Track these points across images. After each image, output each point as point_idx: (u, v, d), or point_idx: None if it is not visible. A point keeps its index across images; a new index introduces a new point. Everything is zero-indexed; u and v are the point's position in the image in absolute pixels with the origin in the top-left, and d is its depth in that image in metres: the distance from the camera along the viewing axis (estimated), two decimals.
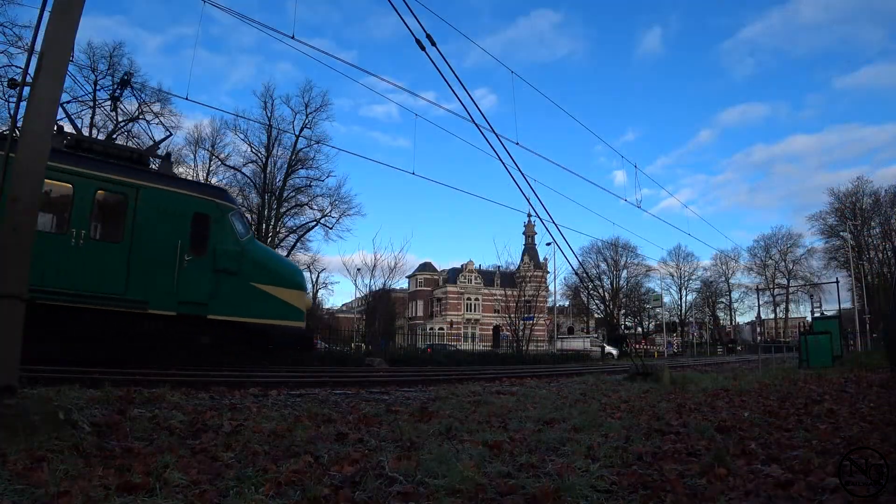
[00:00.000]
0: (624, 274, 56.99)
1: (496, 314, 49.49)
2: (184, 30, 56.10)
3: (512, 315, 30.52)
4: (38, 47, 3.57)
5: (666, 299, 56.10)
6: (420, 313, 63.80)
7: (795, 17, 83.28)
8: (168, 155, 12.31)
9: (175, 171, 15.31)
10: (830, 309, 39.71)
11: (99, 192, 9.65)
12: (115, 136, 28.90)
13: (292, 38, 9.34)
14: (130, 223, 9.69)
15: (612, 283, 57.85)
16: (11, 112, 6.99)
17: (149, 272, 9.64)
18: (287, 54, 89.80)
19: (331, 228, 34.75)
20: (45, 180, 3.75)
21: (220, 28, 56.55)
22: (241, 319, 10.64)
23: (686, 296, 59.85)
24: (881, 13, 72.62)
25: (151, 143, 15.07)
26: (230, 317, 10.48)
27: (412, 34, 5.71)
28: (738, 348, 55.33)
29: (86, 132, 27.53)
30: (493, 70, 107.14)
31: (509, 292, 34.38)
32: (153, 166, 11.56)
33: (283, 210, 34.41)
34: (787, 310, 56.09)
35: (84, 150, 10.02)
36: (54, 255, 8.82)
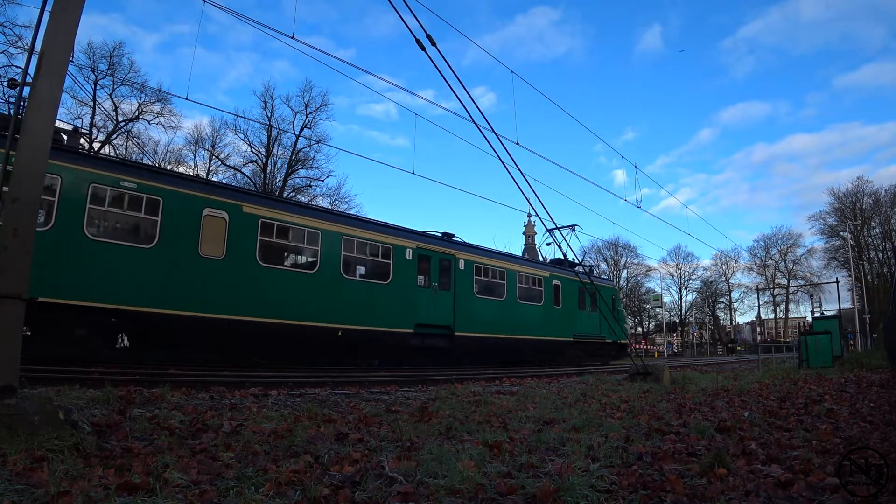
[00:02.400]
0: (624, 274, 56.87)
1: None
2: (180, 28, 55.95)
3: None
4: (38, 47, 3.57)
5: (666, 299, 56.05)
6: None
7: (796, 15, 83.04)
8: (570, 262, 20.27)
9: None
10: (830, 309, 39.86)
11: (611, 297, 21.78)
12: (114, 136, 28.95)
13: (292, 37, 9.37)
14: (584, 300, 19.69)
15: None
16: (11, 112, 7.01)
17: (572, 321, 18.69)
18: (285, 53, 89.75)
19: None
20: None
21: (217, 26, 56.45)
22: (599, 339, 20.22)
23: (686, 296, 59.80)
24: (882, 11, 72.48)
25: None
26: (588, 338, 19.41)
27: (412, 34, 5.71)
28: (739, 348, 55.33)
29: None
30: (492, 68, 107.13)
31: None
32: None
33: None
34: (787, 310, 56.06)
35: None
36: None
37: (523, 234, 40.37)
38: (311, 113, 33.78)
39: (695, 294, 60.05)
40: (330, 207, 12.80)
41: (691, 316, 59.79)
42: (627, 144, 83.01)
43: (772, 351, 19.99)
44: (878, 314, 34.32)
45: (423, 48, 5.81)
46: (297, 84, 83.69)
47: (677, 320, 58.53)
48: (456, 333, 14.15)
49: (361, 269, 12.77)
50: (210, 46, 61.52)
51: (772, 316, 56.88)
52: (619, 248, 54.96)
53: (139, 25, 56.69)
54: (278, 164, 34.36)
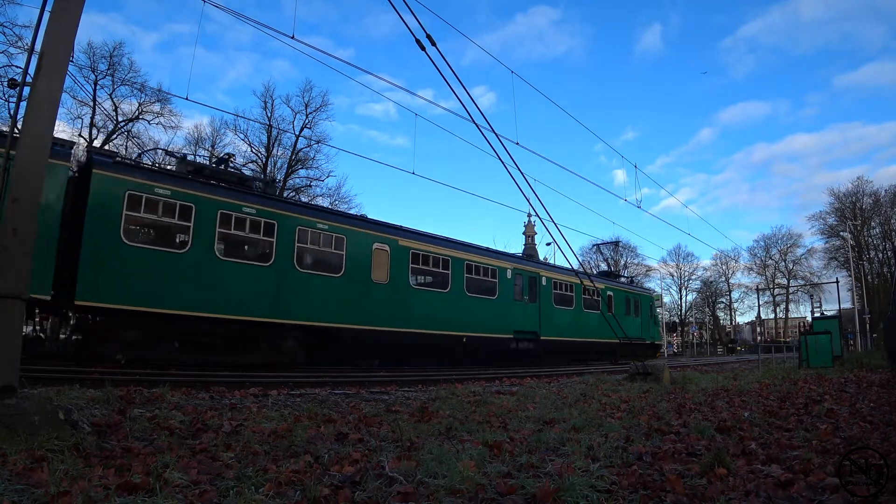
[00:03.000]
0: (624, 274, 56.96)
1: None
2: (179, 27, 55.89)
3: None
4: (38, 47, 3.57)
5: (666, 299, 56.04)
6: None
7: (796, 15, 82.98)
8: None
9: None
10: (830, 309, 39.83)
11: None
12: (114, 136, 28.95)
13: (292, 38, 9.37)
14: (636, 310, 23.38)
15: None
16: (11, 112, 7.02)
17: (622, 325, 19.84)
18: (284, 52, 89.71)
19: None
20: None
21: (216, 26, 56.34)
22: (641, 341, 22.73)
23: (686, 296, 59.75)
24: (882, 10, 72.39)
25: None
26: (633, 340, 21.27)
27: (412, 34, 5.71)
28: (739, 348, 55.31)
29: (85, 132, 27.61)
30: (492, 68, 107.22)
31: None
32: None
33: None
34: (787, 310, 56.02)
35: None
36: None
37: (523, 234, 40.37)
38: (311, 113, 33.82)
39: (695, 294, 60.05)
40: (449, 237, 16.37)
41: (691, 316, 59.77)
42: (627, 144, 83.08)
43: (772, 351, 19.99)
44: (878, 314, 34.32)
45: (423, 48, 5.81)
46: (297, 84, 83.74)
47: (677, 320, 58.49)
48: (541, 338, 17.30)
49: (478, 288, 15.64)
50: (209, 46, 61.52)
51: (772, 316, 56.89)
52: (620, 248, 55.02)
53: (138, 25, 56.70)
54: (278, 164, 34.36)
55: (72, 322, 9.71)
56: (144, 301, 9.44)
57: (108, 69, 27.64)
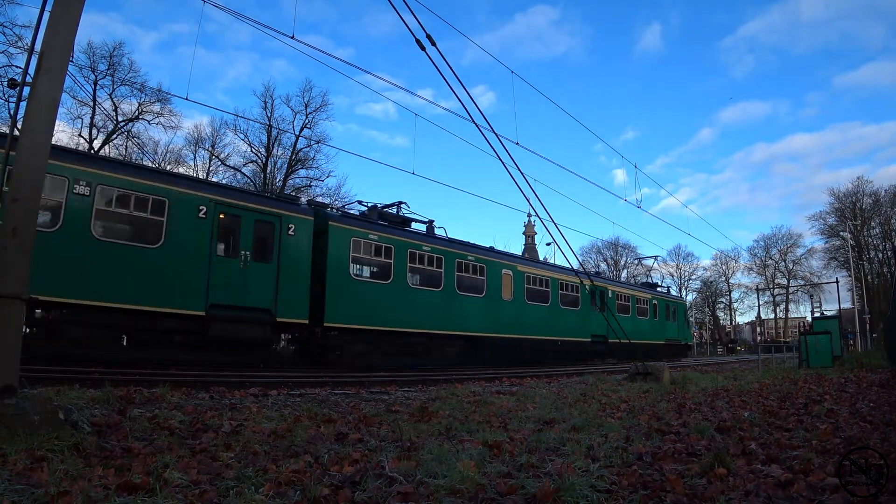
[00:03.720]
0: (624, 274, 56.86)
1: None
2: (178, 27, 55.80)
3: None
4: (38, 47, 3.57)
5: None
6: None
7: (796, 14, 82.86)
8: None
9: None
10: (830, 309, 39.82)
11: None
12: (114, 136, 28.96)
13: (292, 38, 9.39)
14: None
15: None
16: (11, 112, 7.03)
17: (664, 329, 25.57)
18: (283, 52, 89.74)
19: None
20: None
21: (215, 25, 56.26)
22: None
23: (686, 296, 59.77)
24: (882, 10, 72.29)
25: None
26: (672, 341, 26.13)
27: (412, 34, 5.71)
28: (739, 348, 55.30)
29: (85, 132, 27.61)
30: (492, 67, 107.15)
31: None
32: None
33: None
34: (787, 310, 56.01)
35: None
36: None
37: (523, 233, 40.41)
38: (311, 113, 33.75)
39: (695, 294, 60.08)
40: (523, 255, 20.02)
41: (691, 316, 59.77)
42: (627, 144, 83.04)
43: (772, 351, 19.99)
44: (878, 314, 34.35)
45: (423, 48, 5.81)
46: (296, 83, 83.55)
47: None
48: (609, 340, 20.71)
49: (566, 301, 19.54)
50: (209, 46, 61.48)
51: (772, 316, 56.89)
52: (619, 248, 55.06)
53: (137, 24, 56.62)
54: (278, 164, 34.34)
55: (319, 336, 12.34)
56: (367, 321, 12.70)
57: (108, 69, 27.63)
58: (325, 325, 11.76)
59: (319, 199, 33.81)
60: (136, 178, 9.63)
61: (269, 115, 33.06)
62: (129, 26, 53.25)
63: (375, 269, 13.33)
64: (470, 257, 15.51)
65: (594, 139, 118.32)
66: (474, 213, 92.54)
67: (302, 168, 34.73)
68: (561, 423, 4.26)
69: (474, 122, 6.29)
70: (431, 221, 15.72)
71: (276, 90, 53.38)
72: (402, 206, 15.47)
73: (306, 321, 11.40)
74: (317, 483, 2.34)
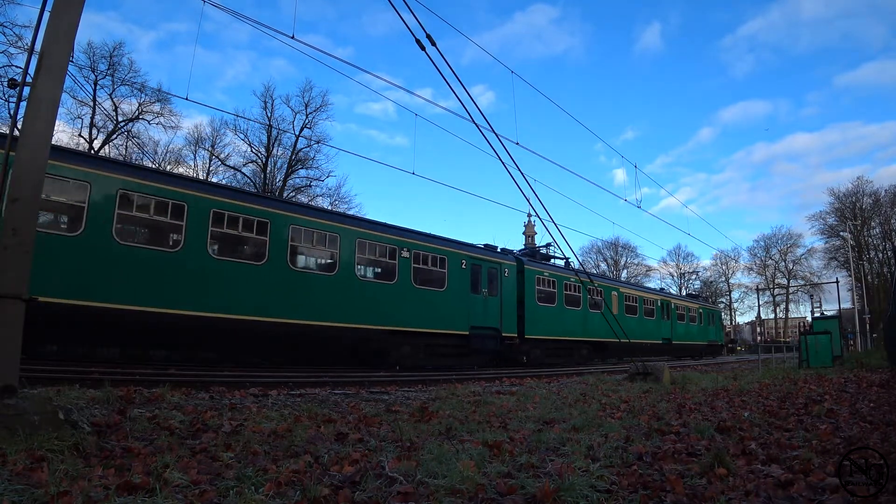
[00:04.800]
0: (624, 274, 56.81)
1: None
2: (177, 26, 55.73)
3: None
4: (38, 47, 3.57)
5: None
6: None
7: (796, 14, 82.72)
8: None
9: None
10: (830, 309, 39.82)
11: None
12: (114, 136, 28.96)
13: (292, 37, 9.39)
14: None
15: None
16: (11, 112, 7.03)
17: (706, 332, 31.04)
18: (283, 51, 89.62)
19: None
20: None
21: (214, 25, 56.11)
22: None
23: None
24: (882, 9, 72.16)
25: None
26: (712, 342, 31.63)
27: (412, 34, 5.71)
28: (739, 348, 55.28)
29: (85, 132, 27.62)
30: (491, 67, 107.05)
31: None
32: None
33: None
34: (787, 310, 56.02)
35: None
36: None
37: (523, 233, 40.42)
38: (310, 113, 33.78)
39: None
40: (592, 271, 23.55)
41: None
42: (627, 144, 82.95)
43: (772, 351, 20.00)
44: (878, 314, 34.33)
45: (422, 48, 5.81)
46: (295, 82, 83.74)
47: None
48: (673, 342, 25.95)
49: (648, 313, 24.44)
50: (208, 45, 61.42)
51: (772, 316, 56.90)
52: (619, 248, 55.11)
53: (136, 24, 56.53)
54: (278, 164, 34.34)
55: (522, 345, 16.88)
56: (544, 333, 17.60)
57: (108, 69, 27.65)
58: (525, 336, 16.69)
59: (319, 199, 33.78)
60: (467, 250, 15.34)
61: (268, 114, 33.11)
62: (127, 25, 53.19)
63: (544, 297, 17.97)
64: (548, 274, 18.93)
65: (594, 139, 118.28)
66: (474, 213, 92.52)
67: (302, 168, 34.77)
68: (561, 423, 4.26)
69: (474, 122, 6.29)
70: (567, 258, 21.19)
71: (275, 90, 53.45)
72: (550, 247, 22.30)
73: (516, 335, 16.25)
74: (317, 483, 2.34)
